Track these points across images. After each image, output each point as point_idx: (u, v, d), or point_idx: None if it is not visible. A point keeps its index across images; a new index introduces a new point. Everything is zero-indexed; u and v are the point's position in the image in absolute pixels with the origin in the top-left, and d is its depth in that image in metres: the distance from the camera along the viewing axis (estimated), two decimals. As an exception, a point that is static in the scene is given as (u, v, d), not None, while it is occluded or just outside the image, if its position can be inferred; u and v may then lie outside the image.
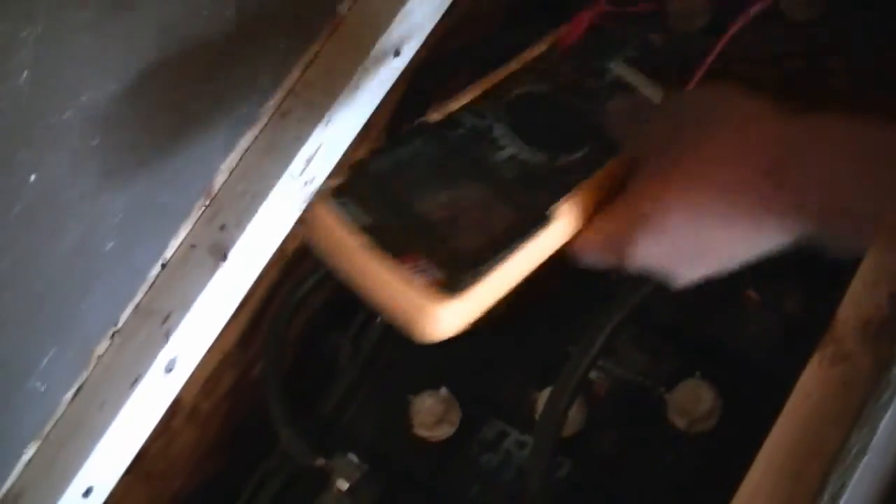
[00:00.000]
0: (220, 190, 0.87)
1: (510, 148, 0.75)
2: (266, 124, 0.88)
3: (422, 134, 0.75)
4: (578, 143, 0.75)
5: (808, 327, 0.73)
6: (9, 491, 0.83)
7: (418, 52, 0.94)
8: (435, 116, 0.77)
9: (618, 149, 0.73)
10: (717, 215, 0.64)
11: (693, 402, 0.82)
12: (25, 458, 0.84)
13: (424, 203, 0.70)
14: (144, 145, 0.80)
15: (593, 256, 0.71)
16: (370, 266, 0.68)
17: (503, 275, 0.69)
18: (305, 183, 0.88)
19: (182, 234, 0.86)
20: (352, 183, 0.72)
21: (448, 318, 0.67)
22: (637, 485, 0.84)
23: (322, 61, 0.90)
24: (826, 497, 0.64)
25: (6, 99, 0.68)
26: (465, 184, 0.72)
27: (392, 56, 0.90)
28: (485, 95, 0.79)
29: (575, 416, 0.85)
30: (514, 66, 0.81)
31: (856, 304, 0.68)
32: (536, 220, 0.70)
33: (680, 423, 0.83)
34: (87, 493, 0.84)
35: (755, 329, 0.82)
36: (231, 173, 0.87)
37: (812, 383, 0.67)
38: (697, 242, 0.66)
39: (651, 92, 0.80)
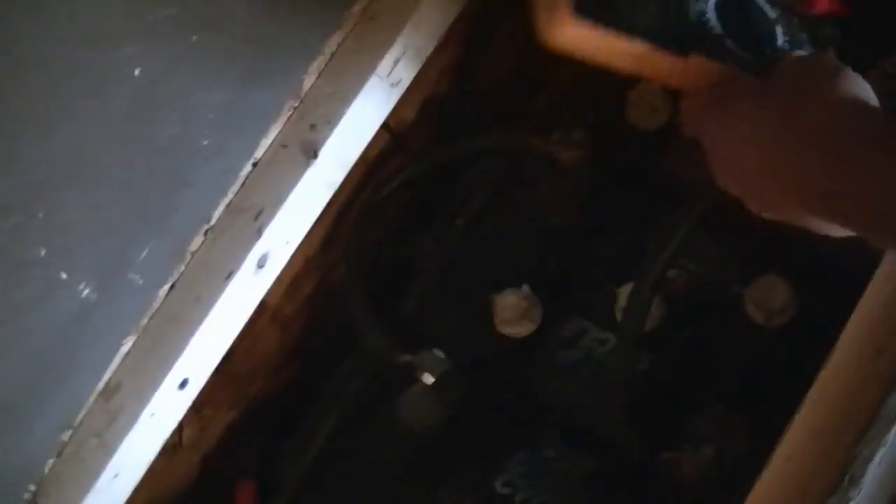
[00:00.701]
0: (309, 91, 0.89)
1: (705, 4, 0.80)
2: (353, 27, 0.90)
3: None
4: (757, 44, 0.80)
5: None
6: (108, 381, 0.87)
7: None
8: None
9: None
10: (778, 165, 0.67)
11: (769, 296, 0.85)
12: (124, 349, 0.87)
13: None
14: (237, 45, 0.83)
15: (685, 115, 0.77)
16: None
17: (620, 43, 0.77)
18: (392, 85, 0.90)
19: (273, 133, 0.89)
20: None
21: (563, 30, 0.75)
22: (716, 376, 0.86)
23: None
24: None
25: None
26: None
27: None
28: None
29: (655, 312, 0.87)
30: None
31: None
32: (679, 44, 0.77)
33: (757, 317, 0.85)
34: (182, 384, 0.87)
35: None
36: (320, 74, 0.89)
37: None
38: (757, 174, 0.69)
39: None
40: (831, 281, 0.83)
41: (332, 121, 0.87)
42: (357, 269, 0.96)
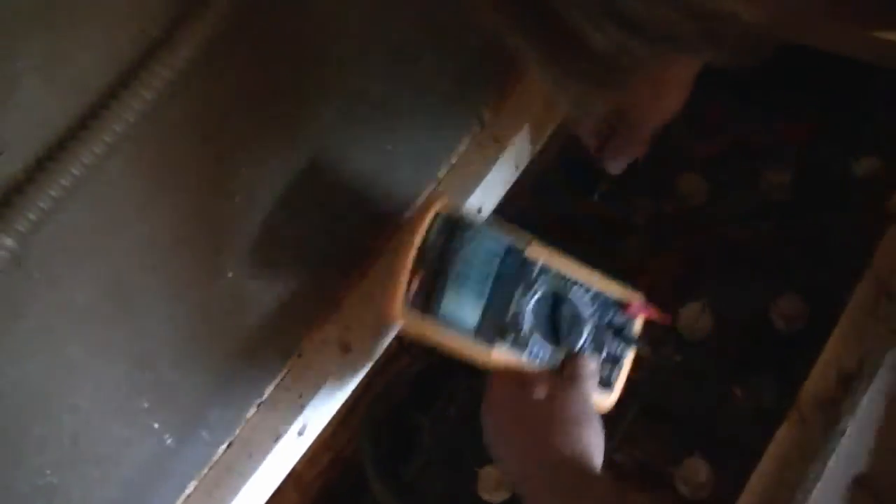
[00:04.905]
0: (345, 302, 1.16)
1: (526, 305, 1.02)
2: (380, 259, 1.18)
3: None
4: (558, 341, 1.02)
5: (777, 412, 1.01)
6: None
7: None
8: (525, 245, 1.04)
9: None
10: None
11: (693, 475, 1.09)
12: (187, 492, 1.07)
13: (462, 275, 0.99)
14: (288, 267, 1.10)
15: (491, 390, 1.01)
16: (399, 257, 0.99)
17: (439, 334, 0.99)
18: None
19: (314, 333, 1.14)
20: (449, 219, 1.01)
21: (401, 321, 0.98)
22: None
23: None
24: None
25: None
26: (484, 292, 1.00)
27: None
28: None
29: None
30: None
31: (814, 384, 0.98)
32: (489, 338, 0.99)
33: (684, 490, 1.10)
34: None
35: (740, 416, 1.10)
36: (353, 292, 1.16)
37: (783, 436, 0.96)
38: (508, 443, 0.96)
39: None
40: (741, 461, 1.05)
41: (364, 324, 1.13)
42: (371, 443, 1.19)
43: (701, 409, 1.12)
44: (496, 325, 0.99)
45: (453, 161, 1.22)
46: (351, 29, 1.02)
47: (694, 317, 1.17)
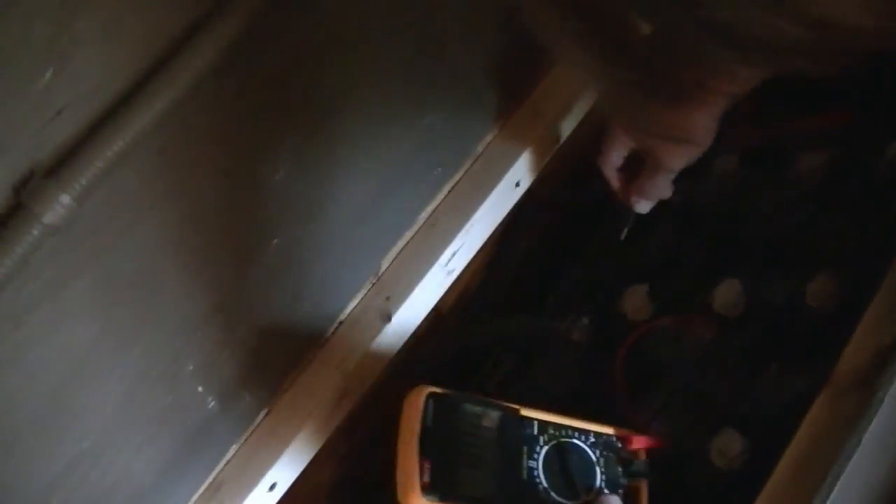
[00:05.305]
0: (385, 272, 1.17)
1: (535, 461, 1.02)
2: (420, 228, 1.19)
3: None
4: (576, 490, 1.02)
5: (813, 388, 1.02)
6: (213, 480, 1.08)
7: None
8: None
9: None
10: None
11: (728, 446, 1.10)
12: (228, 455, 1.09)
13: (467, 451, 0.98)
14: (332, 235, 1.11)
15: None
16: (404, 451, 0.97)
17: None
18: (448, 273, 1.18)
19: (356, 301, 1.16)
20: (440, 399, 1.00)
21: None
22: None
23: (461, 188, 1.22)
24: (827, 484, 0.92)
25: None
26: (493, 461, 0.99)
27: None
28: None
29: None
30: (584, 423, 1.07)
31: (850, 359, 0.98)
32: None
33: (719, 462, 1.11)
34: (271, 487, 1.09)
35: (776, 390, 1.11)
36: (395, 259, 1.18)
37: (819, 410, 0.97)
38: None
39: None
40: (775, 434, 1.06)
41: (402, 295, 1.15)
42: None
43: (736, 384, 1.13)
44: (513, 492, 0.99)
45: (494, 133, 1.24)
46: (371, 22, 1.03)
47: (729, 294, 1.18)
